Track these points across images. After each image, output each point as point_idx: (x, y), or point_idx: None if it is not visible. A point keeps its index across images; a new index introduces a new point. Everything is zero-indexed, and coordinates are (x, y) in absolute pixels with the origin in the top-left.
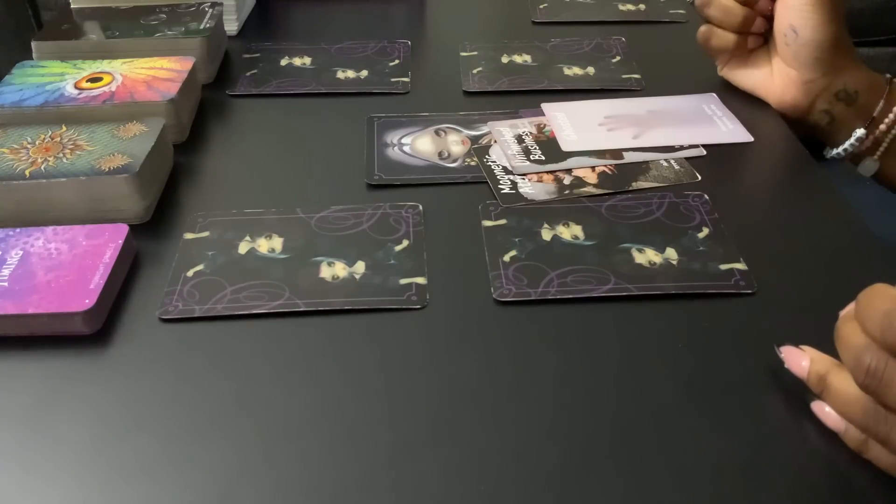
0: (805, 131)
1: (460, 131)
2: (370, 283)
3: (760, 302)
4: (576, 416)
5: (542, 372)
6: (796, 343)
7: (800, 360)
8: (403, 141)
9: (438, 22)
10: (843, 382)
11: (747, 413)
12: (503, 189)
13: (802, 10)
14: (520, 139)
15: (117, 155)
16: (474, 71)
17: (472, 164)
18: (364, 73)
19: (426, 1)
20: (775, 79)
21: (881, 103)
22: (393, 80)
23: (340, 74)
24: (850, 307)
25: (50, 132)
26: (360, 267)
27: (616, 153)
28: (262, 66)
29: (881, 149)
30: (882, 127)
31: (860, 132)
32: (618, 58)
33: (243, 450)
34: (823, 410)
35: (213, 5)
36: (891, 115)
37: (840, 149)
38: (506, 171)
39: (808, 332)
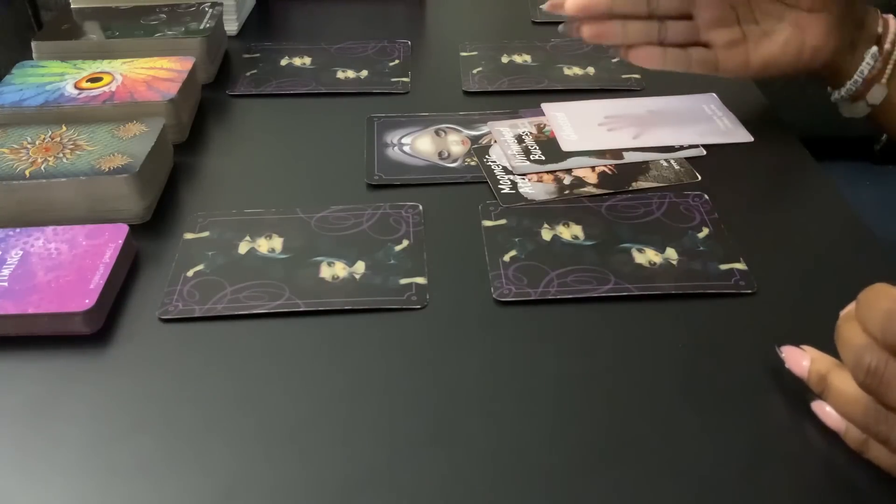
0: (809, 121)
1: (460, 131)
2: (370, 283)
3: (760, 302)
4: (576, 416)
5: (542, 372)
6: (796, 343)
7: (800, 359)
8: (403, 141)
9: (438, 22)
10: (843, 382)
11: (747, 413)
12: (503, 189)
13: None
14: (520, 139)
15: (117, 155)
16: (474, 71)
17: (472, 164)
18: (364, 73)
19: (426, 1)
20: (812, 34)
21: (880, 21)
22: (393, 80)
23: (340, 74)
24: (851, 307)
25: (50, 132)
26: (360, 267)
27: (616, 153)
28: (262, 66)
29: (889, 69)
30: (887, 46)
31: (873, 49)
32: (618, 58)
33: (243, 450)
34: (824, 410)
35: (213, 5)
36: (890, 35)
37: (857, 73)
38: (506, 171)
39: (808, 331)
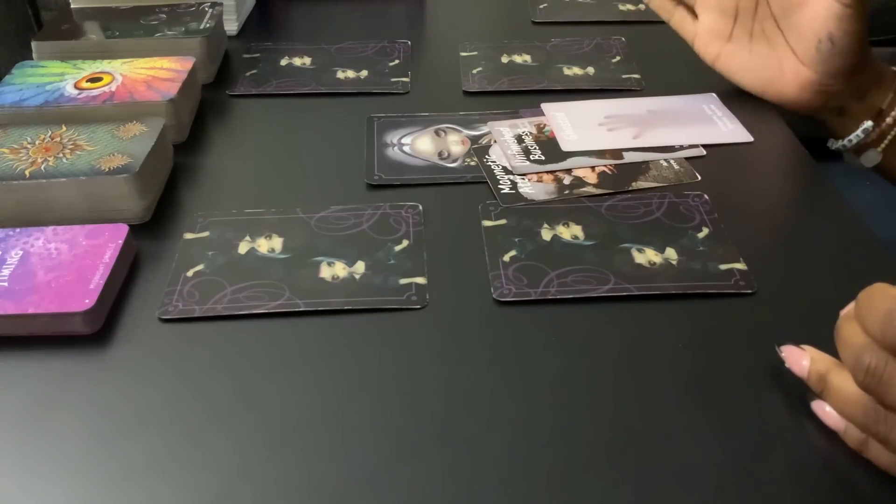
0: (808, 122)
1: (460, 131)
2: (370, 283)
3: (760, 302)
4: (576, 417)
5: (542, 372)
6: (796, 343)
7: (800, 359)
8: (403, 141)
9: (438, 22)
10: (843, 382)
11: (747, 413)
12: (503, 189)
13: (845, 20)
14: (520, 139)
15: (117, 155)
16: (474, 71)
17: (472, 164)
18: (364, 73)
19: (426, 1)
20: (787, 79)
21: (890, 96)
22: (393, 80)
23: (340, 74)
24: (851, 307)
25: (50, 132)
26: (360, 267)
27: (616, 153)
28: (262, 66)
29: (886, 141)
30: (889, 120)
31: (868, 124)
32: (618, 58)
33: (244, 449)
34: (824, 410)
35: (213, 5)
36: (895, 112)
37: (845, 140)
38: (506, 171)
39: (808, 331)
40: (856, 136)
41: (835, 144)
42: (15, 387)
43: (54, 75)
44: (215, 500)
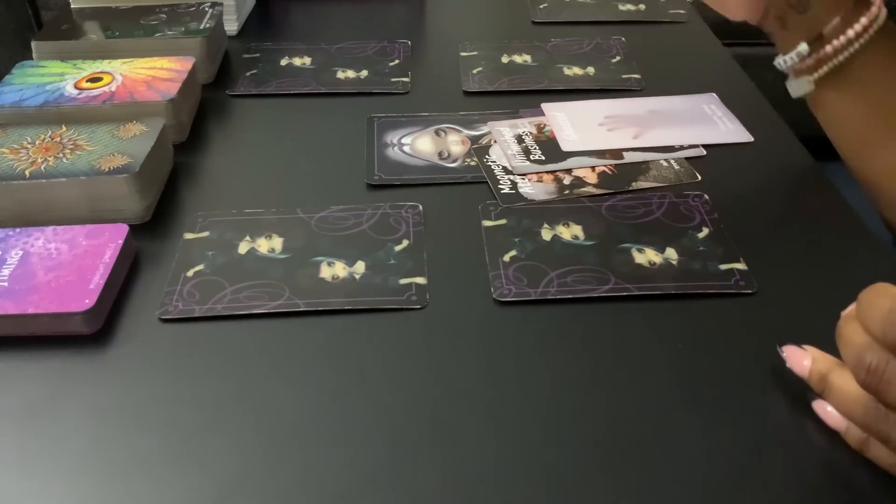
0: (809, 122)
1: (460, 131)
2: (370, 283)
3: (760, 302)
4: (575, 416)
5: (542, 372)
6: (797, 343)
7: (801, 359)
8: (403, 141)
9: (438, 22)
10: (844, 381)
11: (748, 413)
12: (503, 189)
13: None
14: (520, 139)
15: (117, 155)
16: (474, 71)
17: (472, 164)
18: (364, 73)
19: (426, 1)
20: None
21: (834, 21)
22: (393, 80)
23: (340, 74)
24: (852, 307)
25: (50, 132)
26: (360, 267)
27: (616, 153)
28: (262, 66)
29: (821, 71)
30: (828, 49)
31: (802, 47)
32: (618, 58)
33: (243, 449)
34: (825, 409)
35: (213, 5)
36: (842, 38)
37: (780, 59)
38: (506, 171)
39: (809, 331)
40: (790, 57)
41: (777, 61)
42: (15, 387)
43: (54, 75)
44: (215, 500)
